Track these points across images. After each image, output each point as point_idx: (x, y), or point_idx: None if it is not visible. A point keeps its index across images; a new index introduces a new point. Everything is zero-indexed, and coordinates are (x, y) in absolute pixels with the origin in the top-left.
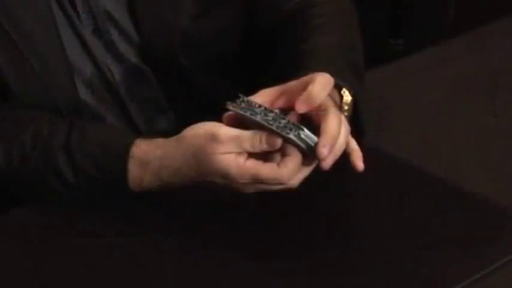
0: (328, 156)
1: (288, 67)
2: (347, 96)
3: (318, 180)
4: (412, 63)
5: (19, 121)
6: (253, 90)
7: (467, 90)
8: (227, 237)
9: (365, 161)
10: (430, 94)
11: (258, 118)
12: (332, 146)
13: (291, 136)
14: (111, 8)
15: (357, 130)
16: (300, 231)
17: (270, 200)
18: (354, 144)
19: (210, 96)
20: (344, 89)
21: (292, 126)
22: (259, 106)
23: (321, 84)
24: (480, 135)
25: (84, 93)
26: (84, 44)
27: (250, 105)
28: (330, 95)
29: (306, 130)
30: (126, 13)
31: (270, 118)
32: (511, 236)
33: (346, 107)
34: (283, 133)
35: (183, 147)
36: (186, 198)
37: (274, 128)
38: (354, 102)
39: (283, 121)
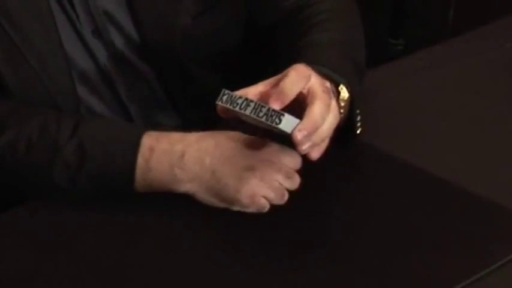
0: (304, 141)
1: (288, 63)
2: (344, 93)
3: (317, 179)
4: (412, 63)
5: (24, 114)
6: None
7: (467, 90)
8: (227, 237)
9: (365, 160)
10: (430, 94)
11: (247, 112)
12: (310, 132)
13: (274, 123)
14: (110, 8)
15: (349, 127)
16: (299, 231)
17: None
18: (325, 134)
19: (211, 93)
20: (341, 85)
21: (273, 112)
22: (240, 97)
23: (292, 78)
24: (480, 135)
25: (85, 93)
26: (85, 45)
27: (232, 98)
28: (325, 86)
29: (286, 115)
30: (126, 12)
31: (252, 107)
32: (511, 236)
33: (342, 104)
34: (268, 122)
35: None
36: (188, 199)
37: (261, 118)
38: (351, 100)
39: (264, 109)
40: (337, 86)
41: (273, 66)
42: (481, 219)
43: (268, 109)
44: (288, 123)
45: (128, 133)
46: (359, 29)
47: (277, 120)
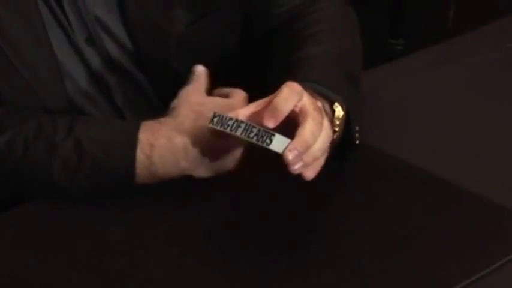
0: (295, 161)
1: (283, 75)
2: (339, 112)
3: (317, 179)
4: (412, 63)
5: (19, 117)
6: (250, 95)
7: (467, 90)
8: (226, 237)
9: (365, 161)
10: (429, 94)
11: (238, 133)
12: (301, 151)
13: (265, 144)
14: (101, 14)
15: (347, 141)
16: (299, 231)
17: (270, 200)
18: (317, 153)
19: None
20: (336, 103)
21: (263, 133)
22: (230, 119)
23: (284, 94)
24: (480, 135)
25: (79, 100)
26: (79, 53)
27: (222, 119)
28: (316, 105)
29: (277, 135)
30: (118, 20)
31: (242, 128)
32: (511, 236)
33: (337, 122)
34: (259, 142)
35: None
36: (187, 198)
37: (252, 139)
38: (347, 114)
39: (255, 130)
40: (331, 104)
41: (270, 75)
42: (481, 219)
43: (259, 130)
44: (278, 143)
45: (123, 129)
46: (356, 39)
47: (267, 141)
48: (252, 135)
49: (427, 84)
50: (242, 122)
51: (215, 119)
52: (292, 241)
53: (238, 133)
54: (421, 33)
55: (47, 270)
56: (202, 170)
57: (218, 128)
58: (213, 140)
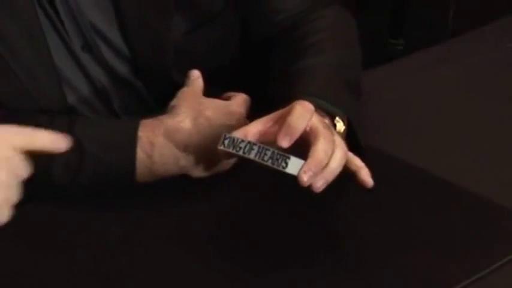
0: (313, 180)
1: (283, 85)
2: (340, 126)
3: None
4: (412, 63)
5: (18, 118)
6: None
7: (467, 90)
8: (227, 238)
9: (365, 161)
10: (430, 94)
11: (251, 156)
12: (315, 171)
13: (280, 167)
14: (96, 21)
15: (356, 150)
16: (299, 231)
17: (270, 200)
18: (358, 162)
19: None
20: (337, 118)
21: (278, 156)
22: (242, 141)
23: (298, 113)
24: (480, 135)
25: (76, 104)
26: (76, 60)
27: (234, 142)
28: (324, 123)
29: (292, 157)
30: (115, 27)
31: (255, 151)
32: (511, 236)
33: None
34: (275, 166)
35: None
36: (187, 198)
37: (266, 162)
38: (349, 125)
39: (269, 152)
40: (332, 118)
41: (269, 84)
42: (481, 219)
43: (273, 152)
44: (293, 165)
45: (123, 127)
46: (356, 46)
47: (283, 164)
48: (266, 158)
49: (427, 84)
50: (255, 144)
51: (226, 141)
52: (292, 241)
53: (251, 156)
54: (421, 33)
55: (47, 270)
56: (200, 170)
57: (230, 150)
58: (212, 141)
